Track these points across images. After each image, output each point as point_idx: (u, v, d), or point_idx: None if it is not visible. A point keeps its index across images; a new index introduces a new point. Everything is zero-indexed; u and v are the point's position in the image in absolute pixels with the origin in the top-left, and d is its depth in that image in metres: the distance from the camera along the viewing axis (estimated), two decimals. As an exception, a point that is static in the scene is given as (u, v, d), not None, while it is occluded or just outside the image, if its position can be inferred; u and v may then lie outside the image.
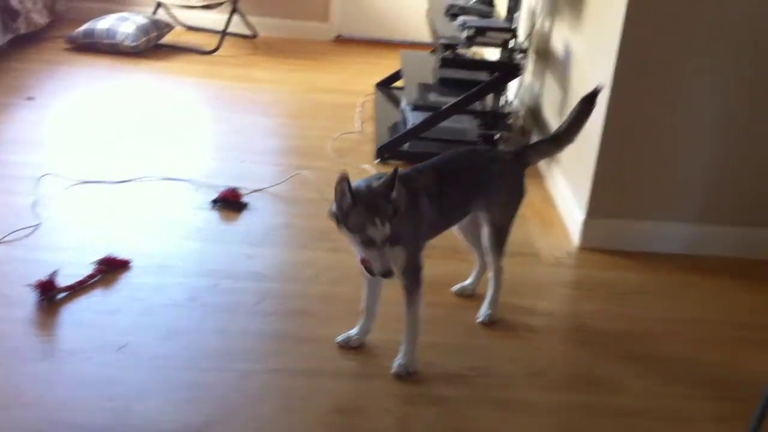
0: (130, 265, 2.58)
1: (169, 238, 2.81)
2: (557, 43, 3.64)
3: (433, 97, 3.83)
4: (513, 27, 3.79)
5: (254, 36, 5.33)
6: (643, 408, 2.17)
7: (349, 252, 2.78)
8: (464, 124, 3.82)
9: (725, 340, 2.52)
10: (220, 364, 2.21)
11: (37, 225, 2.77)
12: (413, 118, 3.73)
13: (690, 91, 2.81)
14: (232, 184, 3.15)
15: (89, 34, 4.69)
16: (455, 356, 2.32)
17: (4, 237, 2.66)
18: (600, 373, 2.30)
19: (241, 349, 2.27)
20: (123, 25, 4.70)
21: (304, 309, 2.47)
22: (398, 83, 4.40)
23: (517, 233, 3.04)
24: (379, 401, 2.11)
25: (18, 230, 2.71)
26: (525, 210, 3.23)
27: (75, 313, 2.35)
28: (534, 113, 3.94)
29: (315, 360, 2.24)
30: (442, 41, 3.68)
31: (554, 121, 3.56)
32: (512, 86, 4.04)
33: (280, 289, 2.56)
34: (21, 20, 4.43)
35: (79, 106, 3.93)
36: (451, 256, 2.84)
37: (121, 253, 2.59)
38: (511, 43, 3.74)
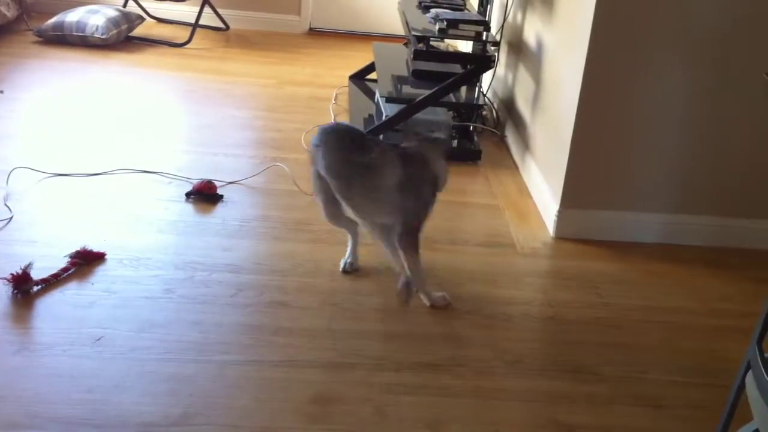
0: (105, 257, 2.56)
1: (143, 230, 2.79)
2: (529, 36, 3.66)
3: (407, 89, 3.83)
4: (485, 19, 3.81)
5: (226, 29, 5.30)
6: (620, 395, 2.20)
7: (325, 243, 2.80)
8: (439, 116, 3.83)
9: (700, 327, 2.56)
10: (197, 355, 2.19)
11: (9, 218, 2.73)
12: (388, 110, 3.73)
13: (661, 82, 2.84)
14: (207, 176, 3.14)
15: (59, 26, 4.63)
16: (433, 345, 2.33)
17: (-24, 230, 2.63)
18: (577, 361, 2.33)
19: (219, 341, 2.26)
20: (93, 17, 4.65)
21: (281, 300, 2.47)
22: (372, 75, 4.41)
23: (493, 224, 3.08)
24: (358, 391, 2.11)
25: (-11, 224, 2.68)
26: (501, 201, 3.27)
27: (50, 306, 2.32)
28: (507, 105, 3.97)
29: (293, 351, 2.24)
30: (415, 33, 3.69)
31: (527, 112, 3.59)
32: (486, 78, 4.06)
33: (256, 281, 2.55)
34: (-12, 12, 4.36)
35: (49, 100, 3.88)
36: (429, 246, 2.85)
37: (95, 246, 2.57)
38: (484, 36, 3.76)
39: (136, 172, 3.18)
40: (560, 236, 3.01)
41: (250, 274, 2.58)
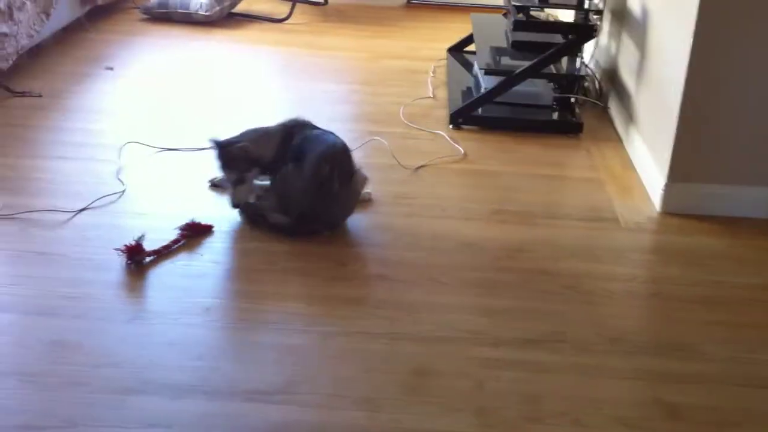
0: (213, 230, 2.64)
1: (247, 203, 2.86)
2: (634, 4, 3.54)
3: (506, 61, 3.78)
4: (589, -13, 3.70)
5: (324, 3, 5.34)
6: (728, 375, 2.13)
7: (424, 216, 2.81)
8: (538, 88, 3.77)
9: (812, 306, 2.45)
10: (301, 326, 2.25)
11: (122, 192, 2.85)
12: (486, 83, 3.69)
13: (778, 49, 2.71)
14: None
15: (164, 4, 4.76)
16: (533, 321, 2.31)
17: (91, 203, 2.75)
18: (682, 340, 2.27)
19: (322, 313, 2.31)
20: (197, -6, 4.76)
21: (382, 273, 2.49)
22: (470, 47, 4.36)
23: (595, 198, 3.02)
24: (456, 365, 2.12)
25: (104, 197, 2.80)
26: (603, 174, 3.21)
27: (161, 276, 2.42)
28: (610, 76, 3.86)
29: (393, 323, 2.27)
30: (515, 3, 3.62)
31: (631, 82, 3.49)
32: (588, 48, 3.96)
33: (357, 254, 2.58)
34: (98, -8, 4.52)
35: (156, 76, 4.01)
36: (529, 221, 2.83)
37: (204, 219, 2.65)
38: (586, 4, 3.66)
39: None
40: (666, 211, 2.93)
41: (352, 247, 2.62)
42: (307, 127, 2.77)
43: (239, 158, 2.63)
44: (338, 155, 2.66)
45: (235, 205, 2.66)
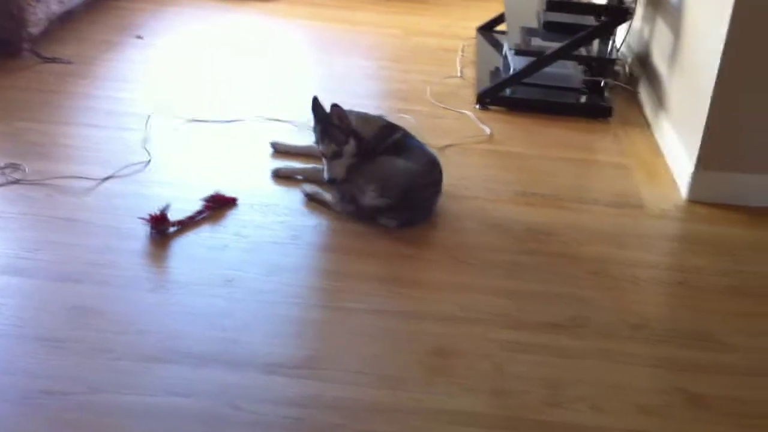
0: (237, 202, 2.65)
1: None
2: (671, -13, 3.49)
3: (537, 42, 3.73)
4: (624, -31, 3.64)
5: (356, -23, 5.30)
6: (753, 366, 2.12)
7: (452, 197, 2.78)
8: (569, 70, 3.73)
9: (842, 300, 2.42)
10: (323, 301, 2.25)
11: (147, 161, 2.86)
12: (516, 63, 3.65)
13: (817, 38, 2.66)
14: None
15: (195, -26, 4.75)
16: (556, 305, 2.30)
17: (117, 171, 2.76)
18: (706, 329, 2.25)
19: (345, 289, 2.31)
20: (227, -35, 4.74)
21: (406, 253, 2.49)
22: (500, 27, 4.32)
23: (622, 183, 2.99)
24: (479, 346, 2.12)
25: (130, 165, 2.81)
26: (631, 160, 3.17)
27: (185, 247, 2.43)
28: (642, 60, 3.81)
29: (416, 302, 2.26)
30: (549, -16, 3.57)
31: (663, 67, 3.44)
32: (620, 31, 3.90)
33: (384, 232, 2.57)
34: (130, -40, 4.51)
35: (185, 46, 4.00)
36: (554, 204, 2.81)
37: (228, 191, 2.65)
38: (622, -14, 3.60)
39: (267, 120, 3.25)
40: (694, 199, 2.89)
41: (377, 225, 2.60)
42: (402, 130, 2.79)
43: (340, 128, 2.61)
44: (440, 168, 2.71)
45: (330, 180, 2.63)
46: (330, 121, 2.62)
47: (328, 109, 2.65)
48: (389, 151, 2.68)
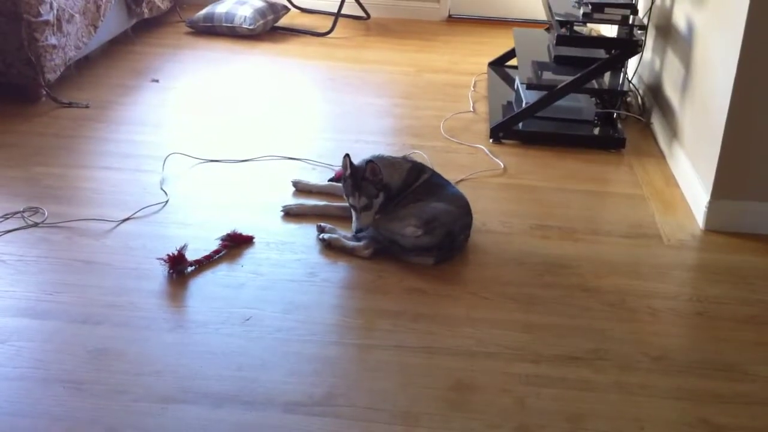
0: (254, 241, 2.66)
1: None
2: (679, 18, 3.51)
3: (548, 76, 3.76)
4: (633, 2, 3.68)
5: (367, 17, 5.37)
6: (775, 396, 2.09)
7: (484, 233, 2.78)
8: (581, 103, 3.74)
9: None
10: (339, 338, 2.25)
11: (165, 202, 2.89)
12: (528, 97, 3.68)
13: (828, 65, 2.66)
14: (348, 163, 3.20)
15: (209, 17, 4.83)
16: (574, 338, 2.29)
17: (135, 213, 2.79)
18: (726, 360, 2.23)
19: (360, 325, 2.31)
20: (241, 8, 4.82)
21: (420, 288, 2.49)
22: (511, 62, 4.35)
23: (638, 214, 2.99)
24: (497, 380, 2.11)
25: (147, 206, 2.84)
26: (646, 190, 3.17)
27: (203, 286, 2.44)
28: (654, 91, 3.82)
29: (432, 337, 2.26)
30: (558, 18, 3.61)
31: (675, 98, 3.45)
32: (631, 63, 3.93)
33: (396, 268, 2.57)
34: (144, 5, 4.60)
35: (200, 88, 4.06)
36: (570, 237, 2.81)
37: (244, 230, 2.67)
38: (631, 19, 3.63)
39: (281, 158, 3.28)
40: (710, 228, 2.88)
41: (390, 260, 2.61)
42: (429, 169, 2.82)
43: (373, 183, 2.63)
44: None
45: (358, 230, 2.64)
46: (362, 176, 2.63)
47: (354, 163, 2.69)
48: (419, 190, 2.71)
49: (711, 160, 2.87)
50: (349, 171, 2.64)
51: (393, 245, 2.61)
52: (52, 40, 3.60)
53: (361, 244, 2.63)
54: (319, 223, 2.73)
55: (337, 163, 3.18)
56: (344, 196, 2.71)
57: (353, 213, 2.67)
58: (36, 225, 2.70)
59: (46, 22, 3.55)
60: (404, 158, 2.86)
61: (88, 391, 1.99)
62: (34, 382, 2.02)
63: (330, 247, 2.65)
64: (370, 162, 2.63)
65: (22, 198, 2.86)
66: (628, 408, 2.03)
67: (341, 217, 2.81)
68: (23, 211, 2.76)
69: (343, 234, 2.69)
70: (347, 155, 2.65)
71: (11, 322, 2.23)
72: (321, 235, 2.68)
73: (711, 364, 2.21)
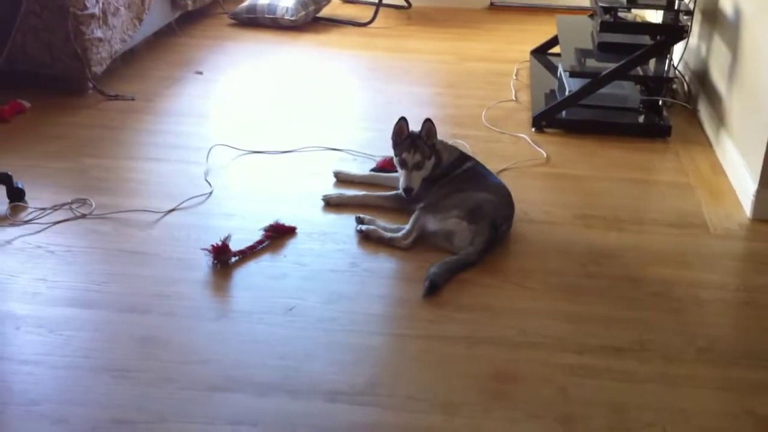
0: (296, 231, 2.68)
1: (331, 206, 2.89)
2: (726, 4, 3.44)
3: (592, 63, 3.71)
4: (679, -13, 3.61)
5: (408, 6, 5.36)
6: (826, 388, 2.05)
7: (527, 223, 2.77)
8: (625, 90, 3.69)
9: None
10: (381, 328, 2.26)
11: (209, 193, 2.92)
12: (571, 85, 3.64)
13: None
14: (390, 153, 3.19)
15: (251, 9, 4.86)
16: (619, 328, 2.26)
17: (180, 204, 2.83)
18: (776, 351, 2.19)
19: (402, 315, 2.32)
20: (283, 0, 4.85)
21: (463, 278, 2.48)
22: (554, 50, 4.31)
23: (684, 203, 2.94)
24: (540, 371, 2.10)
25: (192, 198, 2.87)
26: (692, 179, 3.12)
27: (246, 276, 2.47)
28: (700, 78, 3.75)
29: (474, 327, 2.26)
30: (602, 4, 3.56)
31: (722, 84, 3.38)
32: (677, 50, 3.86)
33: (442, 257, 2.56)
34: (188, -2, 4.64)
35: (243, 80, 4.10)
36: (615, 226, 2.78)
37: (287, 220, 2.69)
38: (676, 5, 3.57)
39: (324, 149, 3.29)
40: (758, 218, 2.83)
41: (433, 250, 2.60)
42: (474, 159, 2.87)
43: (427, 144, 2.72)
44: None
45: (407, 189, 2.72)
46: (419, 135, 2.72)
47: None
48: (461, 177, 2.74)
49: (759, 148, 2.81)
50: (407, 132, 2.73)
51: (437, 233, 2.61)
52: (98, 33, 3.66)
53: (399, 235, 2.63)
54: (358, 215, 2.74)
55: (379, 153, 3.21)
56: (394, 160, 2.78)
57: (403, 172, 2.73)
58: (84, 216, 2.75)
59: (92, 16, 3.61)
60: (455, 147, 2.92)
61: (135, 379, 2.03)
62: (82, 370, 2.06)
63: (368, 239, 2.66)
64: (428, 120, 2.72)
65: (70, 189, 2.92)
66: (672, 399, 2.01)
67: (381, 207, 2.82)
68: (71, 203, 2.81)
69: (382, 225, 2.69)
70: (403, 117, 2.75)
71: (60, 312, 2.28)
72: (359, 227, 2.69)
73: (758, 355, 2.17)
